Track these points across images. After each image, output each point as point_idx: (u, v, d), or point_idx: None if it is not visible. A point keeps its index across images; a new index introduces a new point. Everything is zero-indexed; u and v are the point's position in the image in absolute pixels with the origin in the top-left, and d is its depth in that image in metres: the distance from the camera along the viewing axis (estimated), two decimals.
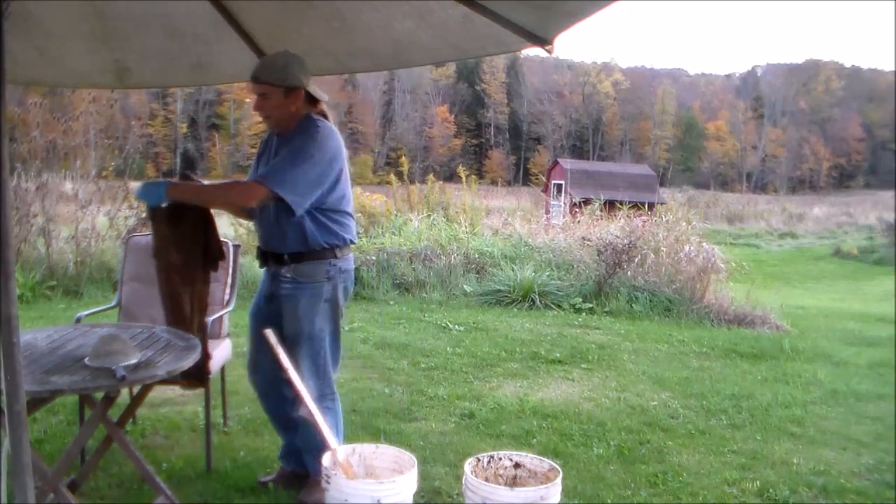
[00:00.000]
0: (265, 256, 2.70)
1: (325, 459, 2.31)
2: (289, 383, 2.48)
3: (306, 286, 2.63)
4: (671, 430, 3.85)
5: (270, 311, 2.72)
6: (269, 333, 2.46)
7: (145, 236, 3.76)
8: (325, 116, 2.64)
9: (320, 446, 2.66)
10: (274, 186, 2.45)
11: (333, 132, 2.60)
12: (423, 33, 2.50)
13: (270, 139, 2.70)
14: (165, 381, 2.69)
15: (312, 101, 2.60)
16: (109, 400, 2.45)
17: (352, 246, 2.74)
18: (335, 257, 2.63)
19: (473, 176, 12.76)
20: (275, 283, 2.68)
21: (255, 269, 7.69)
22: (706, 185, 54.99)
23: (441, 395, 4.29)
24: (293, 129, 2.56)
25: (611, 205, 11.61)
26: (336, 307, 2.68)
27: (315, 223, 2.59)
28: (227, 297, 3.51)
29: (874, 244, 21.55)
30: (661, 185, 38.48)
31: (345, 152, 2.64)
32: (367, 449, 2.47)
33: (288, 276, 2.63)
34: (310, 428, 2.66)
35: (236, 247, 3.62)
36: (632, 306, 7.36)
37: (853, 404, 4.50)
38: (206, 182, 2.74)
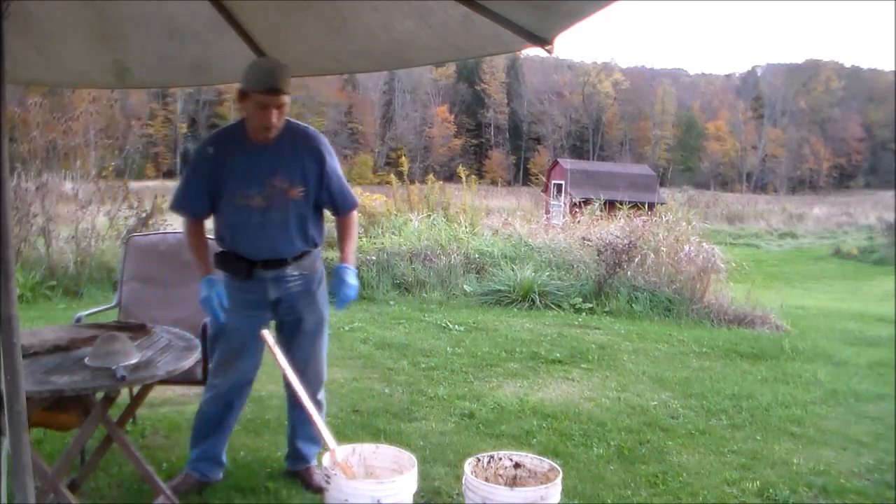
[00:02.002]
0: (252, 266, 2.66)
1: (325, 459, 2.31)
2: (288, 384, 2.50)
3: (313, 277, 2.77)
4: (671, 430, 3.85)
5: (276, 313, 2.75)
6: (267, 334, 2.49)
7: (145, 236, 3.77)
8: None
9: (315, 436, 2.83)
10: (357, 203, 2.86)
11: None
12: (423, 33, 2.49)
13: (227, 150, 2.61)
14: (165, 381, 2.69)
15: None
16: (109, 400, 2.45)
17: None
18: (317, 247, 2.82)
19: (473, 176, 12.78)
20: (279, 285, 2.69)
21: None
22: (706, 185, 55.01)
23: (441, 395, 4.29)
24: (280, 133, 2.59)
25: (611, 205, 11.61)
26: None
27: (315, 224, 2.75)
28: None
29: (874, 244, 21.56)
30: (661, 185, 38.48)
31: None
32: (367, 449, 2.48)
33: (295, 273, 2.70)
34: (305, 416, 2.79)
35: None
36: (632, 306, 7.36)
37: (853, 404, 4.50)
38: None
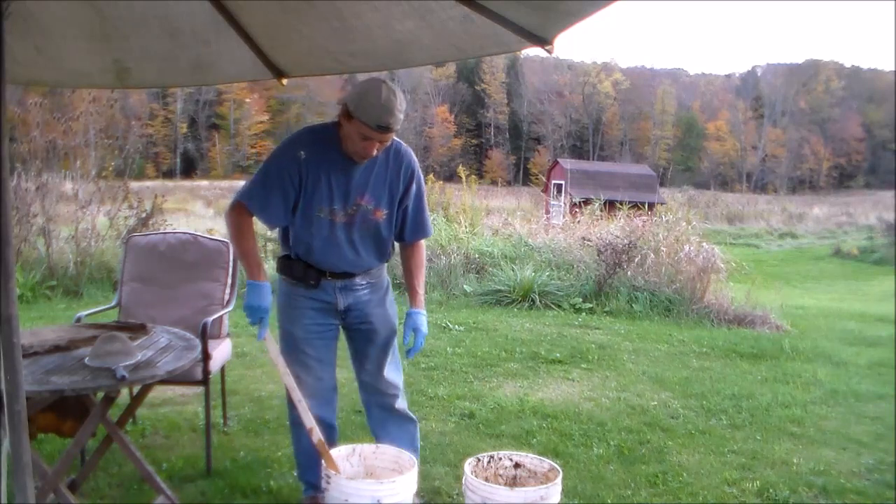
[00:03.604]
0: (320, 274, 2.54)
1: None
2: (289, 391, 2.41)
3: (381, 285, 2.68)
4: (671, 430, 3.85)
5: (345, 320, 2.63)
6: (270, 340, 2.39)
7: (145, 236, 3.77)
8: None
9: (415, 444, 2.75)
10: (429, 233, 2.72)
11: None
12: (423, 33, 2.49)
13: (317, 158, 2.41)
14: (165, 381, 2.69)
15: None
16: (109, 400, 2.45)
17: None
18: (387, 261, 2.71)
19: (473, 176, 12.74)
20: (347, 293, 2.57)
21: None
22: (706, 185, 55.01)
23: (441, 395, 4.29)
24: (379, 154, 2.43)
25: (611, 205, 11.60)
26: None
27: (391, 242, 2.64)
28: (227, 297, 3.51)
29: (874, 244, 21.52)
30: (661, 185, 38.44)
31: None
32: (367, 449, 2.47)
33: (363, 282, 2.60)
34: (409, 427, 2.76)
35: None
36: (632, 306, 7.36)
37: (853, 404, 4.50)
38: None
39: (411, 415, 2.79)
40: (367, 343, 2.65)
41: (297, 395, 2.36)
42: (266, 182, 2.42)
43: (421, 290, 2.64)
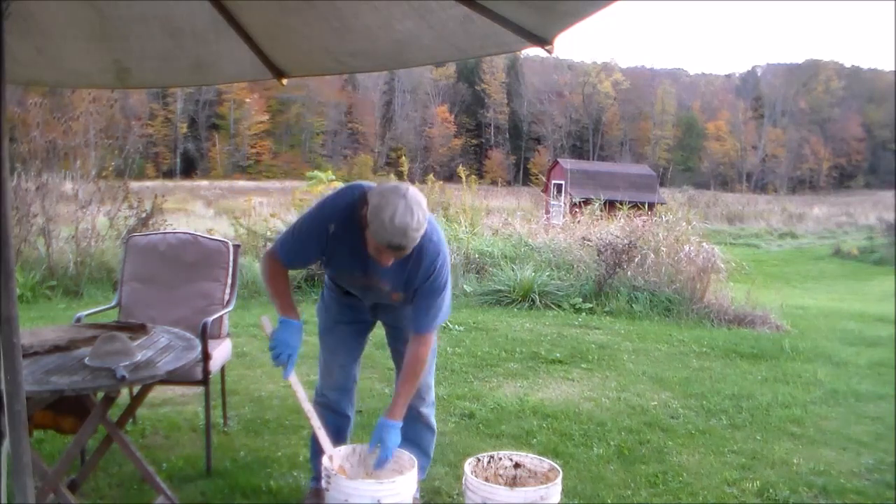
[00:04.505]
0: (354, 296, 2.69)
1: (326, 461, 2.31)
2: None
3: None
4: (671, 430, 3.85)
5: (375, 317, 2.74)
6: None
7: (145, 236, 3.77)
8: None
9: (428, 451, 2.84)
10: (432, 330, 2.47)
11: None
12: (423, 33, 2.49)
13: (343, 236, 2.37)
14: (165, 381, 2.69)
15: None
16: (109, 400, 2.45)
17: None
18: None
19: (473, 176, 12.75)
20: (380, 305, 2.68)
21: (255, 270, 7.70)
22: (706, 185, 55.07)
23: (441, 395, 4.28)
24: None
25: (611, 205, 11.61)
26: None
27: None
28: (227, 297, 3.51)
29: (874, 244, 21.52)
30: (661, 185, 38.43)
31: None
32: (367, 449, 2.47)
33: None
34: (425, 435, 2.81)
35: (236, 247, 3.62)
36: (632, 306, 7.36)
37: (853, 404, 4.50)
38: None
39: (432, 423, 2.82)
40: (398, 338, 2.72)
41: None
42: (298, 239, 2.48)
43: (401, 400, 2.42)
